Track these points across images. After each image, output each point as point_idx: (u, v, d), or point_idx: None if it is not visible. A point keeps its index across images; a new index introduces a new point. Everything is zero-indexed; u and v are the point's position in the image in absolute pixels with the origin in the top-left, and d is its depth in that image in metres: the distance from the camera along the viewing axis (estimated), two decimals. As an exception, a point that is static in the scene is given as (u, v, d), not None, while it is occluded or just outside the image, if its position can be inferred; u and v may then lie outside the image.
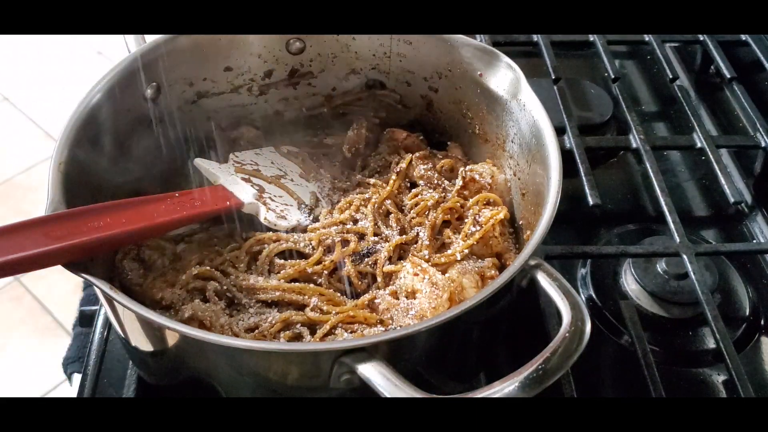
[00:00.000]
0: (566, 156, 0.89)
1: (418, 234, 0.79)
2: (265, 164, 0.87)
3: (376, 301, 0.72)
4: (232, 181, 0.81)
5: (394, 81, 0.89)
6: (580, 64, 1.22)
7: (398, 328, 0.68)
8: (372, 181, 0.85)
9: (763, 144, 1.02)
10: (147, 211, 0.70)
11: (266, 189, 0.83)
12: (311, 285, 0.74)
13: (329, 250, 0.77)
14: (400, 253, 0.78)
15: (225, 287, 0.73)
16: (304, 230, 0.80)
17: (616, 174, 1.07)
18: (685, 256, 0.84)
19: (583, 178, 0.93)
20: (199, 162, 0.83)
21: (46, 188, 0.65)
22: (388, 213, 0.81)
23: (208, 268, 0.74)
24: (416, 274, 0.73)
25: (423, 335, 0.57)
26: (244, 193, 0.80)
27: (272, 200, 0.82)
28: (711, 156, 0.98)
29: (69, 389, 0.81)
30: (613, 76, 1.10)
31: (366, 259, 0.77)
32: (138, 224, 0.69)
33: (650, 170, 0.95)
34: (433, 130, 0.91)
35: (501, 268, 0.76)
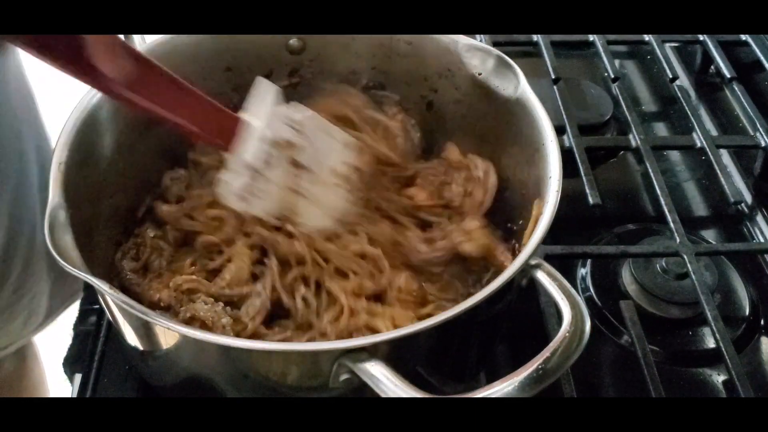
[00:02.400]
0: (566, 156, 0.89)
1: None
2: (303, 143, 0.71)
3: None
4: (260, 133, 0.67)
5: (394, 81, 0.89)
6: (580, 64, 1.22)
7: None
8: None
9: (763, 144, 1.02)
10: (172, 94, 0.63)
11: (271, 165, 0.69)
12: None
13: None
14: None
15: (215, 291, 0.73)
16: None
17: (616, 174, 1.07)
18: (685, 256, 0.84)
19: (583, 178, 0.93)
20: (261, 83, 0.70)
21: (46, 188, 0.65)
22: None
23: (194, 277, 0.73)
24: None
25: (423, 335, 0.57)
26: (251, 151, 0.67)
27: (256, 179, 0.69)
28: (711, 156, 0.98)
29: (69, 389, 0.81)
30: (613, 76, 1.10)
31: None
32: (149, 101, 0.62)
33: (650, 170, 0.95)
34: (433, 130, 0.91)
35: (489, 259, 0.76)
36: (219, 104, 0.68)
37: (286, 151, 0.70)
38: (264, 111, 0.69)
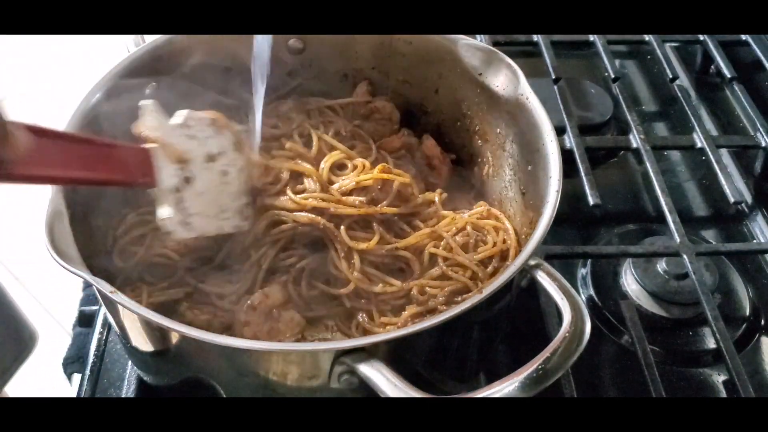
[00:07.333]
0: (566, 156, 0.89)
1: None
2: (204, 134, 0.70)
3: None
4: (167, 153, 0.67)
5: (394, 81, 0.89)
6: (580, 64, 1.22)
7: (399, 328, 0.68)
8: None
9: (763, 144, 1.02)
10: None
11: (195, 180, 0.68)
12: None
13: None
14: None
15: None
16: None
17: (616, 174, 1.07)
18: (685, 256, 0.84)
19: (583, 178, 0.93)
20: (147, 107, 0.67)
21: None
22: None
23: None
24: None
25: (423, 335, 0.57)
26: (166, 175, 0.66)
27: (186, 200, 0.68)
28: (711, 156, 0.98)
29: (69, 389, 0.81)
30: (613, 76, 1.10)
31: None
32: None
33: (650, 170, 0.95)
34: (433, 130, 0.91)
35: None
36: (124, 144, 0.66)
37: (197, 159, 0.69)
38: (161, 130, 0.67)
